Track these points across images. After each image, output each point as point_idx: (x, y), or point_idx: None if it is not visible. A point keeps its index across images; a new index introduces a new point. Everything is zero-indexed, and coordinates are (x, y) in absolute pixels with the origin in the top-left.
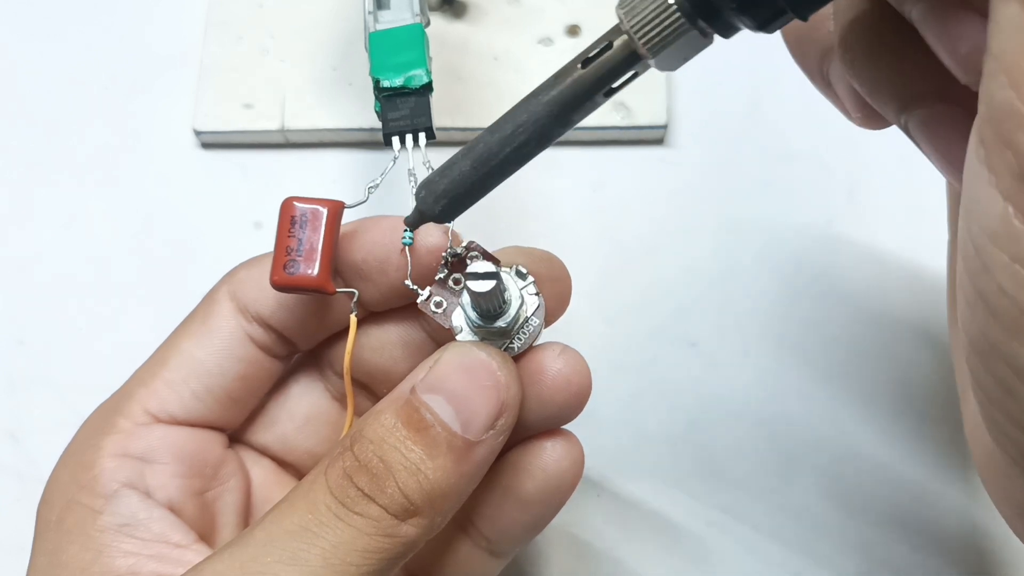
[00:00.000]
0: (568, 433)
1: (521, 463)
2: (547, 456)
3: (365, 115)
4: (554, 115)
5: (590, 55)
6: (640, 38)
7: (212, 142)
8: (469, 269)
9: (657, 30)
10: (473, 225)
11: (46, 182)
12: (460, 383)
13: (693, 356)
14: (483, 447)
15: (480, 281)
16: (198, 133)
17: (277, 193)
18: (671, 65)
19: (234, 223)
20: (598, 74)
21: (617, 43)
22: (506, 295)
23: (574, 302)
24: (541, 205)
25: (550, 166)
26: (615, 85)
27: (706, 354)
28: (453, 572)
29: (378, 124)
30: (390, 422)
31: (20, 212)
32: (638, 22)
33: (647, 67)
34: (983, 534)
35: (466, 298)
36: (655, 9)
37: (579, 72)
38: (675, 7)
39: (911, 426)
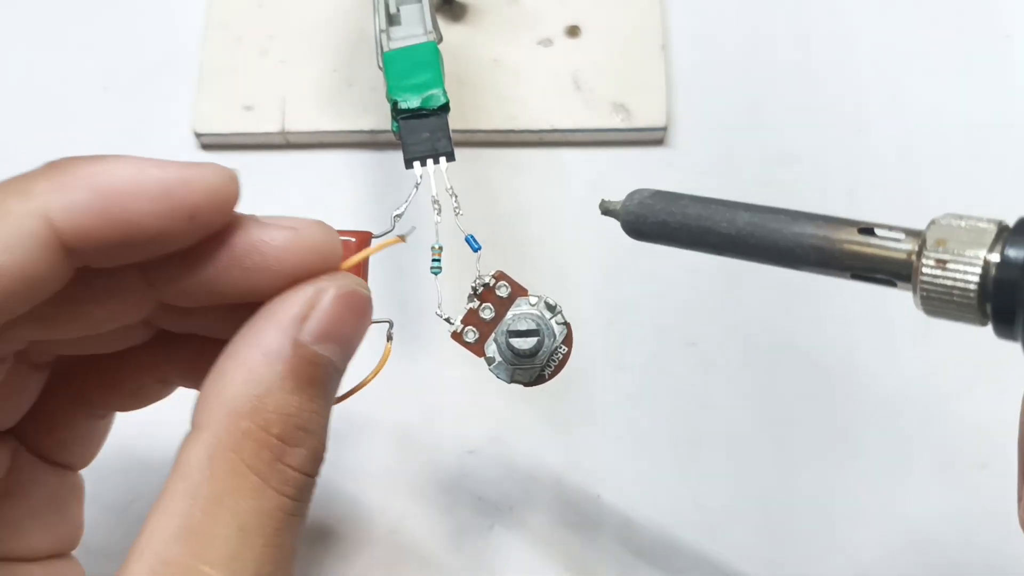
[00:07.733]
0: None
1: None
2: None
3: (366, 117)
4: (802, 256)
5: (875, 234)
6: (922, 289)
7: (212, 144)
8: (511, 325)
9: (941, 297)
10: (473, 226)
11: None
12: (350, 326)
13: (693, 356)
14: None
15: (524, 339)
16: (198, 135)
17: (278, 194)
18: (932, 314)
19: None
20: (863, 257)
21: (903, 252)
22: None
23: (575, 302)
24: (541, 205)
25: (550, 166)
26: (869, 275)
27: (706, 354)
28: None
29: (379, 125)
30: (285, 385)
31: None
32: (932, 278)
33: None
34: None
35: (501, 329)
36: (957, 279)
37: (852, 237)
38: (975, 289)
39: (909, 423)
